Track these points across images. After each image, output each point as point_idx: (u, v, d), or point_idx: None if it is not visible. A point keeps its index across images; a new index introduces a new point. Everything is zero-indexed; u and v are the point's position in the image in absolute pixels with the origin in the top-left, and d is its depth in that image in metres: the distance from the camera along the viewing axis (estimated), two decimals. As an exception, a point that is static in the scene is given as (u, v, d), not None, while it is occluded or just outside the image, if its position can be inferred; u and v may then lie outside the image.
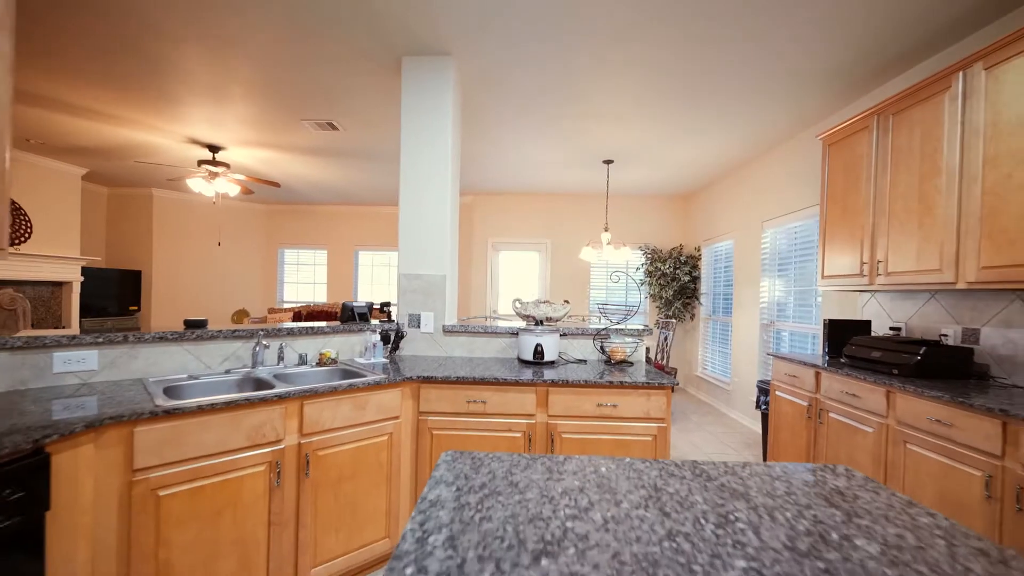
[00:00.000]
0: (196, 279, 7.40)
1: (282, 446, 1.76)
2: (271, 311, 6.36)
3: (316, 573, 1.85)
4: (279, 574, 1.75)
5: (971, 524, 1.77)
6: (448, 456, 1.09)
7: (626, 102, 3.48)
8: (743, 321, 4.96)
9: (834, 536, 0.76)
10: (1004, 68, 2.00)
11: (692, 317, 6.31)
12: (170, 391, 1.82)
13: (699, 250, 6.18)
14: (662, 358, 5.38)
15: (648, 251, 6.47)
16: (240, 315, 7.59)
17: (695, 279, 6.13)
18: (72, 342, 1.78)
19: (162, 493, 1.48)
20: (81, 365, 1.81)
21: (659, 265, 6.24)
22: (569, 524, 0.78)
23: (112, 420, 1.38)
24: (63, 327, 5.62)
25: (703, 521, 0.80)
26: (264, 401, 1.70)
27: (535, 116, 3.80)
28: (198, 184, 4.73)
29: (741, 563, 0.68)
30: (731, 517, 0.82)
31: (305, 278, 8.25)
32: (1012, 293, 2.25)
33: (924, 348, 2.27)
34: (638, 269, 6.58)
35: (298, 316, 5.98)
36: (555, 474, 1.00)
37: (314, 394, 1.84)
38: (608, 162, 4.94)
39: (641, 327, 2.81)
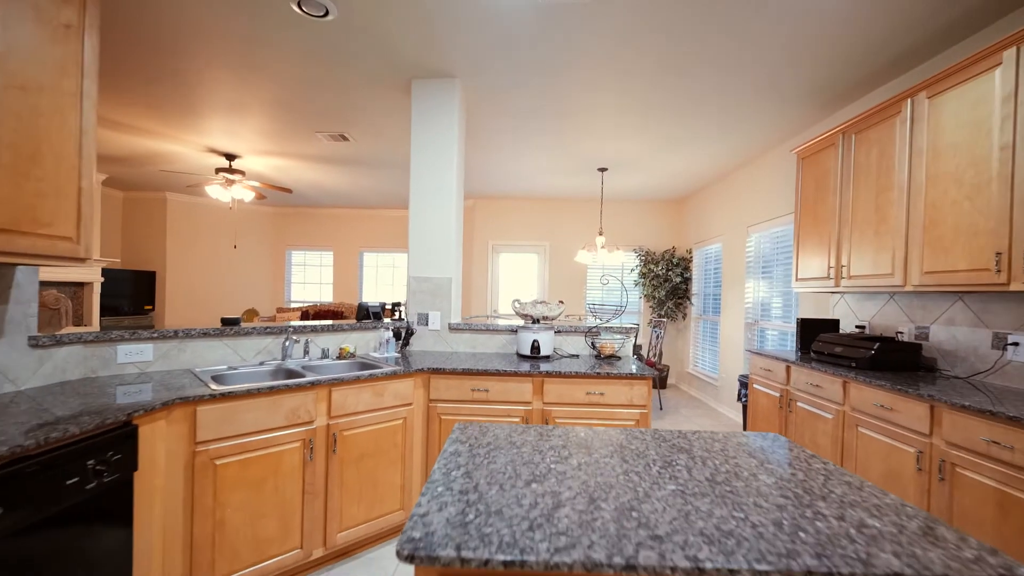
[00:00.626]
0: (207, 279, 7.69)
1: (314, 426, 2.05)
2: (279, 310, 6.65)
3: (342, 537, 2.14)
4: (311, 536, 2.04)
5: (905, 494, 2.06)
6: (460, 426, 1.38)
7: (617, 118, 3.77)
8: (730, 320, 5.25)
9: (745, 473, 1.05)
10: (943, 98, 2.29)
11: (684, 317, 6.59)
12: (217, 379, 2.11)
13: (690, 252, 6.46)
14: (654, 355, 5.67)
15: (642, 253, 6.76)
16: (250, 314, 7.87)
17: (686, 280, 6.42)
18: (133, 336, 2.06)
19: (219, 462, 1.77)
20: (139, 357, 2.09)
21: (652, 267, 6.52)
22: (553, 466, 1.07)
23: (180, 400, 1.67)
24: (85, 325, 5.91)
25: (651, 465, 1.09)
26: (299, 387, 1.99)
27: (532, 130, 4.08)
28: (216, 191, 5.02)
29: (671, 487, 0.96)
30: (673, 462, 1.11)
31: (312, 278, 8.53)
32: (954, 295, 2.54)
33: (878, 344, 2.56)
34: (632, 270, 6.87)
35: (305, 315, 6.27)
36: (544, 437, 1.28)
37: (341, 382, 2.13)
38: (603, 170, 5.23)
39: (629, 325, 3.10)
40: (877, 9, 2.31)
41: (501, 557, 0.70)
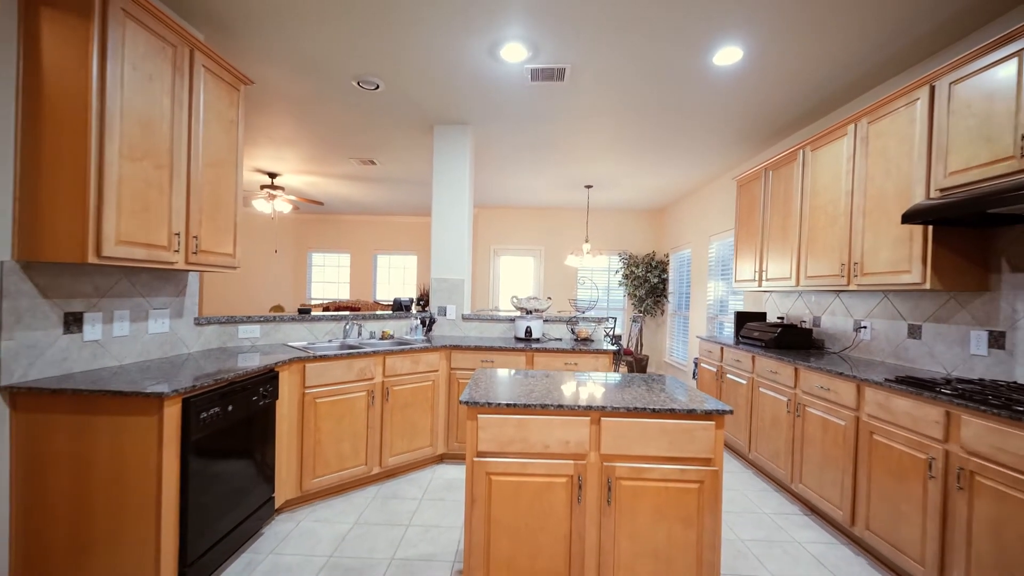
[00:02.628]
0: (239, 278, 8.60)
1: (374, 382, 2.96)
2: (302, 306, 7.56)
3: (391, 460, 3.06)
4: (372, 456, 2.95)
5: (785, 433, 2.98)
6: (479, 370, 2.29)
7: (597, 151, 4.69)
8: (697, 315, 6.17)
9: (645, 387, 1.97)
10: (819, 152, 3.20)
11: (662, 313, 7.52)
12: (304, 349, 3.03)
13: (667, 256, 7.39)
14: (634, 346, 6.60)
15: (625, 257, 7.68)
16: (276, 309, 8.79)
17: (663, 281, 7.34)
18: (247, 320, 2.98)
19: (318, 401, 2.68)
20: (251, 334, 3.01)
21: (634, 269, 7.45)
22: (532, 385, 1.99)
23: (297, 359, 2.59)
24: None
25: (596, 384, 2.01)
26: (366, 355, 2.90)
27: (528, 158, 5.00)
28: (260, 204, 5.92)
29: (603, 390, 1.89)
30: (608, 383, 2.03)
31: (330, 278, 9.44)
32: (833, 293, 3.46)
33: (780, 329, 3.48)
34: (617, 272, 7.80)
35: (326, 310, 7.19)
36: (529, 377, 2.21)
37: (391, 352, 3.05)
38: (588, 187, 6.15)
39: (601, 316, 4.02)
40: (781, 88, 3.23)
41: (504, 402, 1.62)
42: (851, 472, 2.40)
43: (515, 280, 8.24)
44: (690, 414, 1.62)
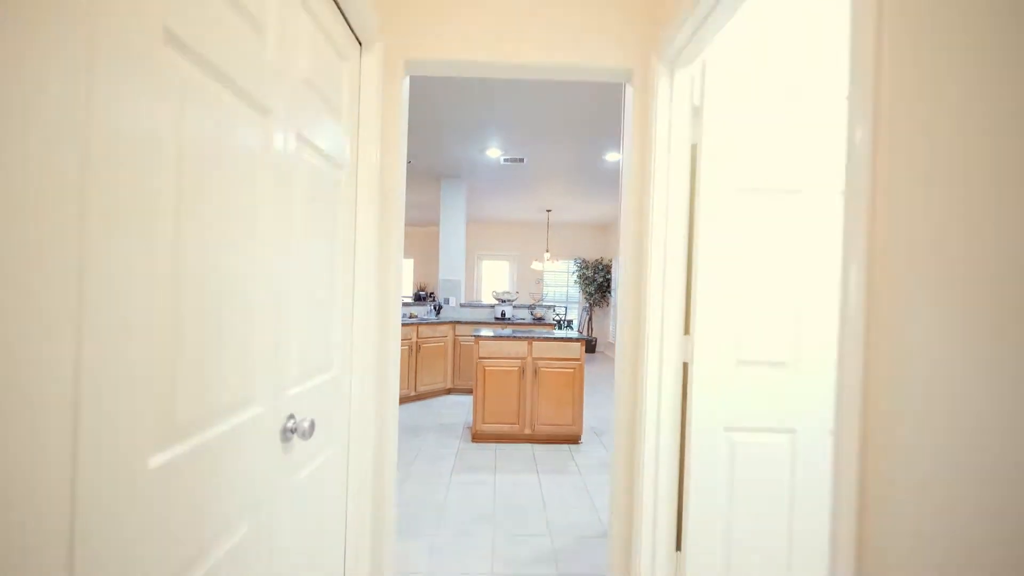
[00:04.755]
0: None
1: (412, 340, 5.06)
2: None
3: (421, 388, 5.17)
4: (410, 385, 5.05)
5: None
6: (476, 329, 4.42)
7: (548, 194, 6.86)
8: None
9: (551, 333, 4.15)
10: (674, 206, 5.45)
11: (607, 304, 9.78)
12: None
13: (611, 261, 9.65)
14: (585, 330, 8.83)
15: (579, 261, 9.91)
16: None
17: (608, 280, 9.60)
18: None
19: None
20: (338, 313, 5.08)
21: (586, 271, 9.68)
22: (503, 334, 4.15)
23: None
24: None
25: (531, 333, 4.18)
26: (407, 325, 5.00)
27: (502, 193, 7.14)
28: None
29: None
30: (536, 333, 4.20)
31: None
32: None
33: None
34: (573, 273, 10.02)
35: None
36: (502, 331, 4.36)
37: (421, 323, 5.15)
38: (548, 211, 8.33)
39: (552, 303, 6.21)
40: (648, 167, 5.47)
41: (491, 333, 3.78)
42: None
43: (494, 278, 10.39)
44: (568, 339, 3.79)
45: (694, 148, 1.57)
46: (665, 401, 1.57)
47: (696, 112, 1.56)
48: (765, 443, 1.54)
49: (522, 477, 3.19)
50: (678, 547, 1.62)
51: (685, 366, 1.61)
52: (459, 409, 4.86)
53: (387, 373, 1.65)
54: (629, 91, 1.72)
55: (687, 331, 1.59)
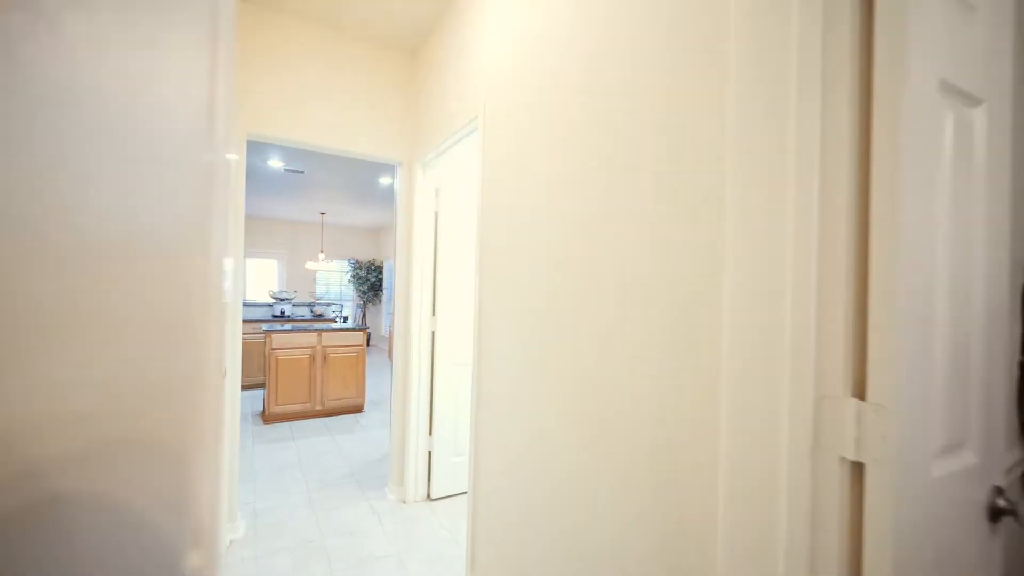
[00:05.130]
0: None
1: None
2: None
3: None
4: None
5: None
6: (269, 325, 4.88)
7: (324, 202, 7.44)
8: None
9: (340, 325, 4.98)
10: (435, 221, 6.88)
11: (380, 301, 10.74)
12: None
13: (383, 263, 10.65)
14: (359, 323, 9.57)
15: (354, 262, 10.58)
16: None
17: (380, 280, 10.58)
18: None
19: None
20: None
21: (359, 271, 10.42)
22: (294, 327, 4.77)
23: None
24: None
25: (318, 327, 4.92)
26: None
27: (280, 193, 7.34)
28: None
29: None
30: (327, 327, 4.96)
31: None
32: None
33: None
34: (347, 273, 10.62)
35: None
36: (291, 325, 4.95)
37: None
38: (323, 213, 8.78)
39: (329, 302, 6.87)
40: (414, 189, 6.77)
41: (287, 328, 4.40)
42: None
43: (265, 278, 10.06)
44: (352, 329, 4.73)
45: (436, 213, 2.87)
46: (423, 349, 2.82)
47: (437, 192, 2.85)
48: (466, 370, 2.95)
49: (318, 439, 4.02)
50: (430, 432, 2.90)
51: (432, 334, 2.88)
52: (244, 403, 5.14)
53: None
54: (400, 171, 2.90)
55: (434, 312, 2.88)
